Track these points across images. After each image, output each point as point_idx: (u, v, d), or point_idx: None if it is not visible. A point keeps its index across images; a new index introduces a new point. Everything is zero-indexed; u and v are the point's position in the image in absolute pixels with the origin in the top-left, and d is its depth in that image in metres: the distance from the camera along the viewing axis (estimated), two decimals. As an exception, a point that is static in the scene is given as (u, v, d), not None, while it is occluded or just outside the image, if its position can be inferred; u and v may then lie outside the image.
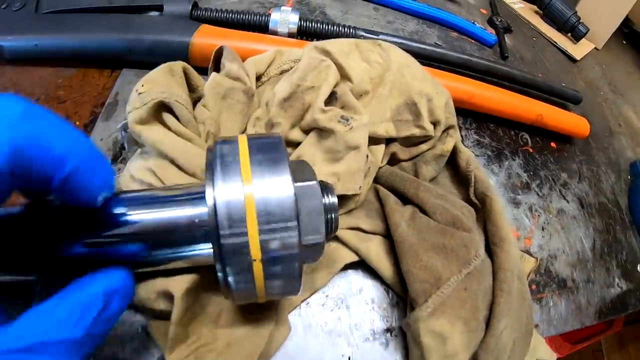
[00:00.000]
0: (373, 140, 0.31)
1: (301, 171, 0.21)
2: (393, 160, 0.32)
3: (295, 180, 0.19)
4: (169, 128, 0.26)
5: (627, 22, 0.78)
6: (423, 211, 0.29)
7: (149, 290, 0.23)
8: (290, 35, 0.39)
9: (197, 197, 0.19)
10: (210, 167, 0.19)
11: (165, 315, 0.23)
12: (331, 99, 0.29)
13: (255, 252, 0.18)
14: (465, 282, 0.27)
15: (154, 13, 0.38)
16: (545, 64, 0.58)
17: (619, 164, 0.53)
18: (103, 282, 0.16)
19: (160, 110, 0.27)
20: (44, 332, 0.14)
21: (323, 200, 0.21)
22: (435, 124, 0.31)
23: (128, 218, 0.18)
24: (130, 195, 0.19)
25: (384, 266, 0.28)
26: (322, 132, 0.28)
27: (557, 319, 0.36)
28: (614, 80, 0.67)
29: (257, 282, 0.18)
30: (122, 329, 0.25)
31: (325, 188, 0.22)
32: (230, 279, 0.18)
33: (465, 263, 0.27)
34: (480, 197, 0.32)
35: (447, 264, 0.27)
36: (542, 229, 0.39)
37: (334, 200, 0.22)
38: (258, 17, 0.39)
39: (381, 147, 0.31)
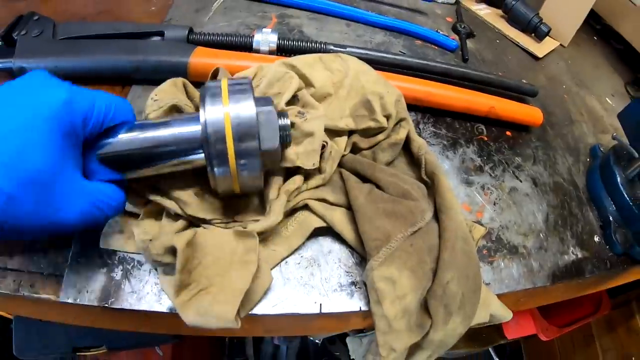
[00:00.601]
0: (336, 133, 0.38)
1: (264, 102, 0.31)
2: (355, 149, 0.39)
3: (258, 106, 0.30)
4: None
5: (598, 20, 0.83)
6: (379, 187, 0.36)
7: (158, 247, 0.30)
8: (270, 52, 0.47)
9: (195, 118, 0.29)
10: (202, 97, 0.29)
11: (171, 270, 0.30)
12: (294, 101, 0.36)
13: (231, 152, 0.28)
14: (411, 239, 0.33)
15: (157, 38, 0.46)
16: (506, 64, 0.64)
17: (578, 148, 0.57)
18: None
19: (171, 112, 0.34)
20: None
21: (279, 121, 0.31)
22: (387, 117, 0.38)
23: (145, 135, 0.29)
24: (145, 122, 0.30)
25: (347, 231, 0.34)
26: None
27: (508, 279, 0.41)
28: (580, 74, 0.72)
29: (232, 172, 0.29)
30: (138, 286, 0.32)
31: (281, 114, 0.32)
32: (215, 170, 0.29)
33: (411, 224, 0.34)
34: (430, 176, 0.38)
35: (396, 225, 0.33)
36: (494, 204, 0.45)
37: (287, 122, 0.32)
38: (243, 38, 0.47)
39: (344, 138, 0.38)
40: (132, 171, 0.29)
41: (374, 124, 0.37)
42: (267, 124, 0.30)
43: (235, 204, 0.34)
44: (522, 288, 0.41)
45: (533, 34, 0.71)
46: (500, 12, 0.74)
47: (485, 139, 0.50)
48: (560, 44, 0.75)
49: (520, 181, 0.48)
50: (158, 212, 0.33)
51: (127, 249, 0.33)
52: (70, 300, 0.30)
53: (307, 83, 0.38)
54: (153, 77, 0.41)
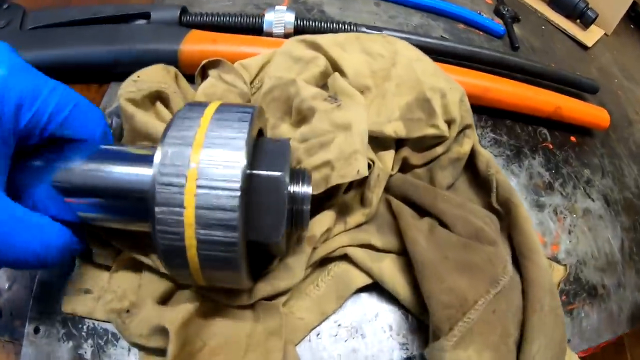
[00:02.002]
0: (381, 144, 0.27)
1: (272, 155, 0.18)
2: (405, 166, 0.28)
3: (256, 166, 0.17)
4: (162, 119, 0.24)
5: (634, 6, 0.73)
6: (442, 223, 0.26)
7: (141, 326, 0.20)
8: (286, 35, 0.36)
9: (145, 160, 0.18)
10: (166, 128, 0.17)
11: (160, 353, 0.20)
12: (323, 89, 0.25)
13: (190, 241, 0.16)
14: (493, 303, 0.23)
15: (141, 21, 0.35)
16: (556, 53, 0.53)
17: (640, 155, 0.48)
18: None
19: (153, 101, 0.24)
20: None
21: (292, 188, 0.18)
22: (450, 122, 0.27)
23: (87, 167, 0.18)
24: (88, 147, 0.19)
25: (400, 287, 0.24)
26: (309, 117, 0.24)
27: (589, 331, 0.32)
28: (626, 67, 0.62)
29: (192, 268, 0.17)
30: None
31: (299, 175, 0.19)
32: (163, 257, 0.17)
33: (492, 282, 0.24)
34: (503, 204, 0.28)
35: (472, 284, 0.23)
36: (569, 233, 0.35)
37: (307, 190, 0.19)
38: (251, 19, 0.36)
39: (390, 153, 0.27)
40: (87, 216, 0.19)
41: (434, 132, 0.27)
42: (266, 202, 0.17)
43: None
44: (603, 341, 0.33)
45: (578, 20, 0.61)
46: (540, -7, 0.63)
47: (550, 146, 0.40)
48: (605, 33, 0.65)
49: (593, 200, 0.39)
50: (136, 263, 0.22)
51: (97, 315, 0.22)
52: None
53: (337, 70, 0.27)
54: (136, 70, 0.31)
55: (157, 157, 0.16)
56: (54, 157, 0.18)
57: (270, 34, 0.36)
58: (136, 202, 0.17)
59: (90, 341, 0.22)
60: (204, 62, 0.28)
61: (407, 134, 0.26)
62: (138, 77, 0.25)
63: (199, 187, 0.15)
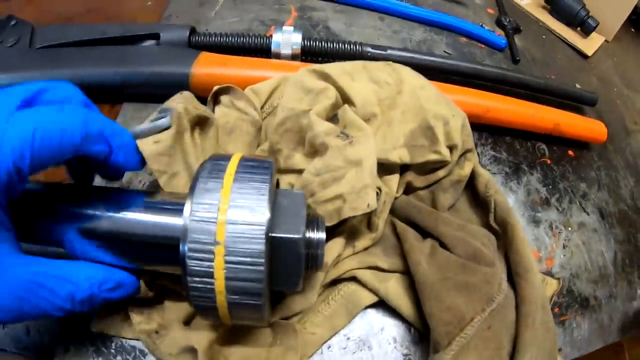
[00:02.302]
0: (386, 169, 0.28)
1: (289, 214, 0.20)
2: (408, 189, 0.30)
3: (276, 229, 0.19)
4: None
5: (635, 9, 0.73)
6: (443, 245, 0.27)
7: (170, 346, 0.21)
8: (294, 56, 0.37)
9: (175, 212, 0.19)
10: (193, 184, 0.18)
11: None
12: (333, 121, 0.27)
13: (221, 303, 0.18)
14: (488, 320, 0.25)
15: (150, 42, 0.35)
16: (557, 63, 0.54)
17: (637, 165, 0.49)
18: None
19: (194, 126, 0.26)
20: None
21: (308, 234, 0.20)
22: (451, 148, 0.29)
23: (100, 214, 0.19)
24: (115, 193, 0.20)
25: (404, 304, 0.26)
26: (322, 152, 0.25)
27: (580, 341, 0.34)
28: (627, 73, 0.63)
29: (222, 317, 0.19)
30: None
31: (313, 222, 0.21)
32: (194, 303, 0.18)
33: (488, 300, 0.25)
34: (500, 223, 0.30)
35: (469, 303, 0.25)
36: (564, 247, 0.37)
37: (321, 236, 0.21)
38: (259, 39, 0.37)
39: (395, 177, 0.28)
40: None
41: (436, 157, 0.28)
42: (285, 258, 0.19)
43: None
44: (593, 349, 0.35)
45: (579, 29, 0.62)
46: (541, 2, 0.64)
47: (549, 161, 0.41)
48: (605, 40, 0.66)
49: (588, 214, 0.40)
50: (162, 288, 0.24)
51: (126, 335, 0.24)
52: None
53: (346, 99, 0.28)
54: (146, 92, 0.32)
55: (185, 232, 0.17)
56: (90, 203, 0.19)
57: (278, 55, 0.37)
58: (169, 254, 0.19)
59: (119, 358, 0.24)
60: (215, 88, 0.29)
61: (411, 160, 0.28)
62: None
63: (227, 262, 0.17)
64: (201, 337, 0.20)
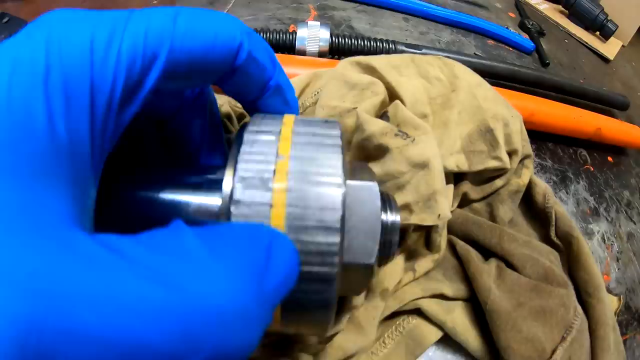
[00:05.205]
0: (439, 179, 0.25)
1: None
2: (463, 201, 0.26)
3: (350, 177, 0.14)
4: None
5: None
6: (508, 264, 0.23)
7: None
8: (321, 54, 0.33)
9: (213, 183, 0.14)
10: (236, 146, 0.13)
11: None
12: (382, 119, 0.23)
13: None
14: (569, 350, 0.21)
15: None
16: (583, 69, 0.52)
17: (670, 171, 0.47)
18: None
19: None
20: None
21: (383, 216, 0.15)
22: (511, 153, 0.25)
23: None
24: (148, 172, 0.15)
25: (472, 337, 0.22)
26: (378, 155, 0.21)
27: (644, 364, 0.30)
28: (645, 78, 0.61)
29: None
30: None
31: (386, 200, 0.15)
32: None
33: (567, 327, 0.21)
34: (563, 238, 0.26)
35: (548, 332, 0.21)
36: (617, 260, 0.33)
37: (396, 218, 0.15)
38: (283, 35, 0.33)
39: (450, 188, 0.24)
40: None
41: (495, 164, 0.24)
42: (361, 217, 0.13)
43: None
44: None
45: (598, 33, 0.60)
46: (559, 7, 0.62)
47: (592, 169, 0.38)
48: (622, 44, 0.64)
49: (634, 223, 0.37)
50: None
51: None
52: None
53: (393, 97, 0.24)
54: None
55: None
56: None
57: (303, 52, 0.33)
58: None
59: None
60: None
61: (469, 168, 0.24)
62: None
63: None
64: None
